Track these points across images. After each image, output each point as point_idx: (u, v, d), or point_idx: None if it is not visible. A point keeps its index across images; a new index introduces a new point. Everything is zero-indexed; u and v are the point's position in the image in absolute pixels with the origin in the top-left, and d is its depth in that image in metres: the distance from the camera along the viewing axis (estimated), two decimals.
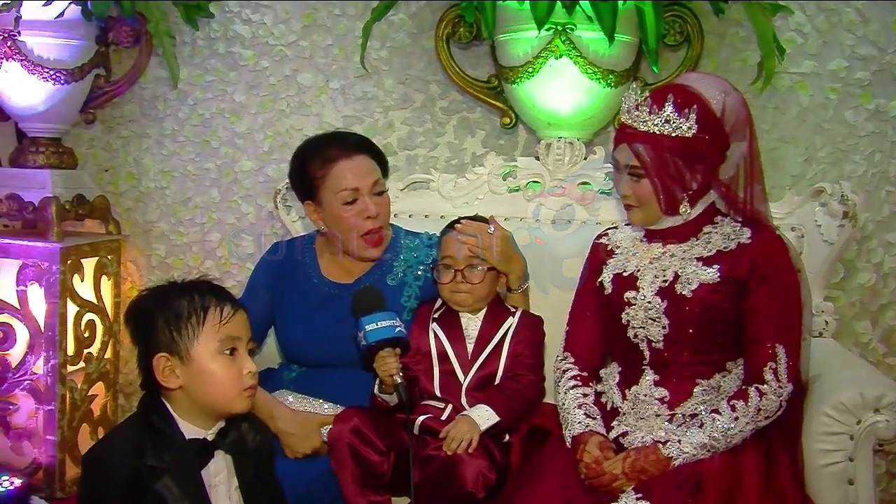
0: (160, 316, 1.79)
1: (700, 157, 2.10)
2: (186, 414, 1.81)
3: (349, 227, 2.43)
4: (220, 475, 1.82)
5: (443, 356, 2.35)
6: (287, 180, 2.89)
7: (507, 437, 2.28)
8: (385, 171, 2.54)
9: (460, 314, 2.38)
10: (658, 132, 2.08)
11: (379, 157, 2.52)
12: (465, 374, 2.33)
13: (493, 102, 3.13)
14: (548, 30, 2.73)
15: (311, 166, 2.46)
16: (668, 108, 2.07)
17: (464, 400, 2.31)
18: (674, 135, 2.08)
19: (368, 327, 2.16)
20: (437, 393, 2.33)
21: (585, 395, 2.23)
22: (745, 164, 2.16)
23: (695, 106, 2.07)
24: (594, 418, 2.18)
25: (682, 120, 2.07)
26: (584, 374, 2.30)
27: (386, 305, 2.24)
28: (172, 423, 1.79)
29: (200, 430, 1.81)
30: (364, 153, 2.48)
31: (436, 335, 2.37)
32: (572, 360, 2.32)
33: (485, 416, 2.22)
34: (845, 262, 2.96)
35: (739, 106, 2.14)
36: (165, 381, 1.78)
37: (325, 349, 2.45)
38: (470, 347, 2.35)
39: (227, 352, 1.79)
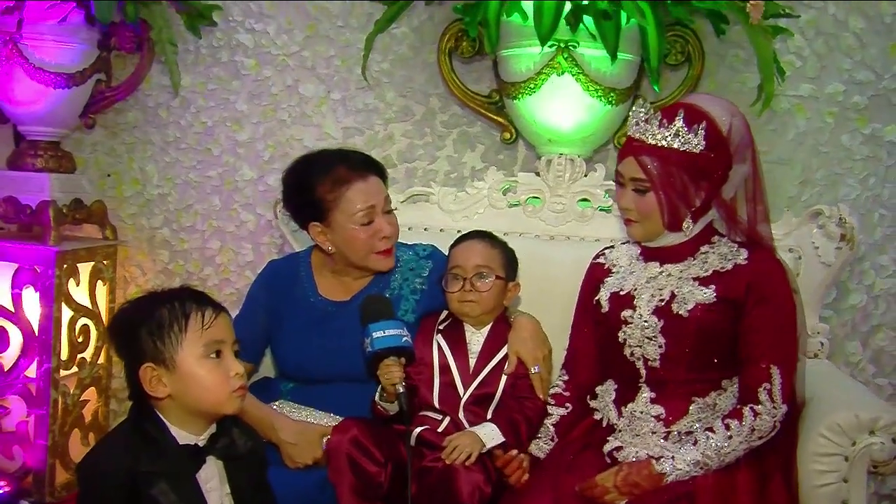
0: (143, 327, 1.78)
1: (705, 175, 2.12)
2: (177, 420, 1.81)
3: (363, 247, 2.40)
4: (211, 481, 1.82)
5: (444, 368, 2.36)
6: None
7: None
8: (386, 186, 2.52)
9: (465, 328, 2.40)
10: (667, 146, 2.11)
11: (383, 175, 2.49)
12: (466, 387, 2.34)
13: (494, 117, 3.14)
14: (551, 46, 2.74)
15: (319, 188, 2.40)
16: (679, 122, 2.10)
17: (461, 414, 2.32)
18: (682, 149, 2.10)
19: (375, 334, 2.17)
20: (436, 404, 2.34)
21: (548, 416, 2.31)
22: (748, 186, 2.19)
23: (704, 123, 2.10)
24: (538, 437, 2.29)
25: (691, 135, 2.09)
26: (566, 394, 2.33)
27: (394, 314, 2.26)
28: (164, 429, 1.79)
29: (192, 435, 1.81)
30: (374, 173, 2.44)
31: (439, 346, 2.39)
32: (565, 377, 2.36)
33: (491, 435, 2.23)
34: (838, 283, 2.98)
35: (744, 129, 2.18)
36: (153, 391, 1.78)
37: (322, 366, 2.44)
38: (472, 362, 2.36)
39: (213, 355, 1.79)
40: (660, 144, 2.11)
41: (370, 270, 2.47)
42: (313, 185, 2.41)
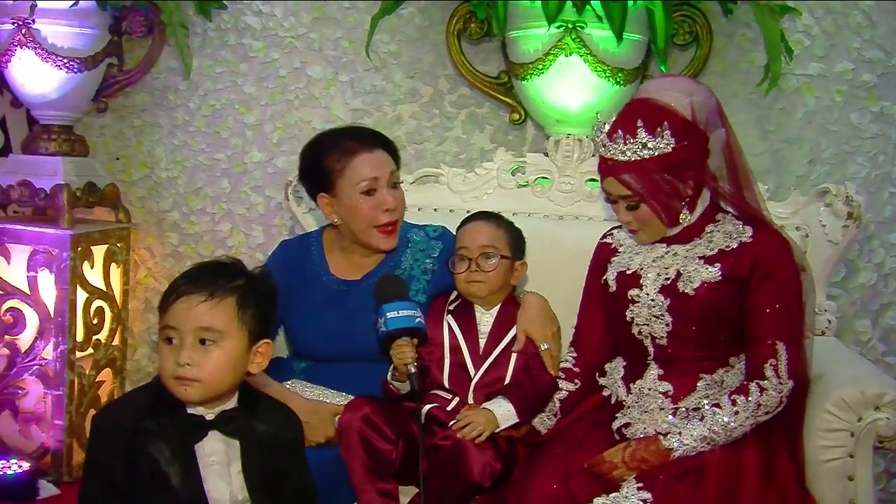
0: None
1: (687, 164, 2.11)
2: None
3: (366, 218, 2.44)
4: (215, 456, 1.85)
5: (455, 348, 2.37)
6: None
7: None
8: (398, 165, 2.55)
9: (475, 309, 2.41)
10: (640, 158, 2.09)
11: (393, 152, 2.54)
12: (476, 368, 2.35)
13: (503, 98, 3.15)
14: (558, 27, 2.75)
15: (327, 158, 2.47)
16: (641, 134, 2.07)
17: (471, 395, 2.33)
18: (655, 155, 2.08)
19: (389, 315, 2.19)
20: (446, 384, 2.35)
21: (557, 391, 2.33)
22: (726, 157, 2.19)
23: (665, 122, 2.07)
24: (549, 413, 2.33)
25: (658, 140, 2.07)
26: (576, 369, 2.35)
27: (408, 295, 2.28)
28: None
29: (202, 408, 1.85)
30: (381, 147, 2.50)
31: (450, 327, 2.40)
32: (574, 355, 2.38)
33: (507, 416, 2.24)
34: (847, 261, 2.99)
35: (706, 99, 2.16)
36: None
37: (334, 345, 2.46)
38: (482, 343, 2.38)
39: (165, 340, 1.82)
40: (633, 159, 2.09)
41: (372, 248, 2.50)
42: (323, 156, 2.48)
